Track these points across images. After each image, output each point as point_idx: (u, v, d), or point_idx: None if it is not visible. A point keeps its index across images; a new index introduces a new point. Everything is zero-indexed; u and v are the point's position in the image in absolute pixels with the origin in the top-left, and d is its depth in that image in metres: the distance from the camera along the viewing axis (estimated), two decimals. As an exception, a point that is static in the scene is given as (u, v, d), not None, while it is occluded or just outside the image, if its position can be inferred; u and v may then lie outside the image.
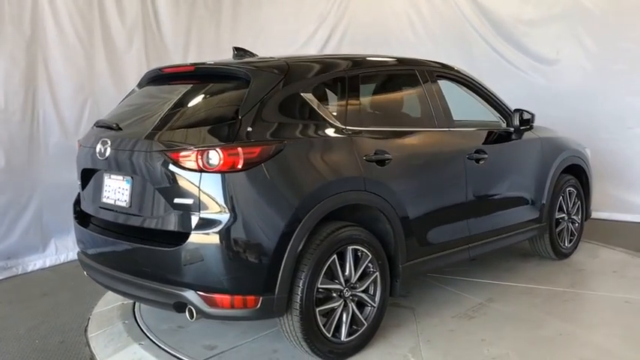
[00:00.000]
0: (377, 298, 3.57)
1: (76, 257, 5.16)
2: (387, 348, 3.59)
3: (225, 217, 3.00)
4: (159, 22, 6.63)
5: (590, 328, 3.84)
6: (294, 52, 7.42)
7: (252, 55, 3.98)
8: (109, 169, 3.48)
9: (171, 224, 3.11)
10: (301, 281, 3.17)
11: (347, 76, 3.68)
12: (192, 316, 3.13)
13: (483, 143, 4.44)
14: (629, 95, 6.65)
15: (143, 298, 3.44)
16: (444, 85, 4.59)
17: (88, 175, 3.72)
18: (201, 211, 3.02)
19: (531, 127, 4.74)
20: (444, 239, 4.05)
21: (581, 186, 5.50)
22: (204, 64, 3.75)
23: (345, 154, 3.42)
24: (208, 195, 3.01)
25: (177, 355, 3.57)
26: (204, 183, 3.00)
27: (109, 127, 3.55)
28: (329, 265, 3.30)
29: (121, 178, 3.39)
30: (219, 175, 2.99)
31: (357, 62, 3.90)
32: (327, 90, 3.64)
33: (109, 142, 3.43)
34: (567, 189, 5.27)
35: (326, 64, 3.78)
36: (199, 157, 2.99)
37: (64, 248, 5.79)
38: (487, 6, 7.51)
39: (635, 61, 6.62)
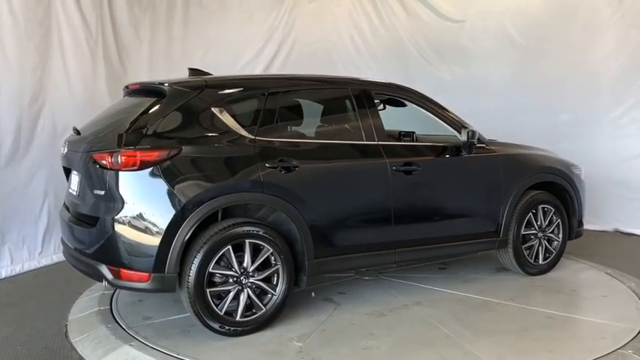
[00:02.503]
0: (278, 288, 4.09)
1: (33, 268, 5.81)
2: (282, 332, 4.07)
3: (124, 206, 3.75)
4: (117, 36, 6.79)
5: (482, 335, 4.00)
6: (241, 67, 7.93)
7: (206, 74, 4.69)
8: (71, 166, 4.37)
9: (91, 210, 3.93)
10: (193, 264, 3.80)
11: (265, 93, 4.27)
12: (105, 286, 3.90)
13: (426, 157, 4.76)
14: (551, 114, 7.63)
15: (84, 271, 4.25)
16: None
17: (68, 172, 4.63)
18: (108, 201, 3.80)
19: (473, 144, 4.89)
20: (359, 242, 4.43)
21: (565, 204, 5.52)
22: (145, 82, 4.56)
23: (244, 161, 3.99)
24: (113, 188, 3.78)
25: (122, 324, 4.24)
26: (110, 178, 3.78)
27: (75, 132, 4.45)
28: (224, 253, 3.90)
29: (77, 173, 4.26)
30: (121, 173, 3.75)
31: (276, 81, 4.51)
32: (243, 105, 4.25)
33: (66, 144, 4.34)
34: (540, 206, 5.33)
35: (245, 83, 4.44)
36: (108, 158, 3.76)
37: (20, 259, 5.70)
38: (425, 30, 8.19)
39: (554, 84, 7.59)
